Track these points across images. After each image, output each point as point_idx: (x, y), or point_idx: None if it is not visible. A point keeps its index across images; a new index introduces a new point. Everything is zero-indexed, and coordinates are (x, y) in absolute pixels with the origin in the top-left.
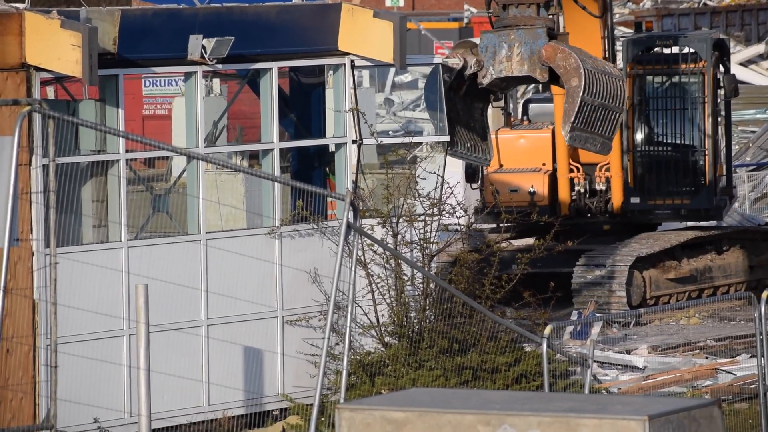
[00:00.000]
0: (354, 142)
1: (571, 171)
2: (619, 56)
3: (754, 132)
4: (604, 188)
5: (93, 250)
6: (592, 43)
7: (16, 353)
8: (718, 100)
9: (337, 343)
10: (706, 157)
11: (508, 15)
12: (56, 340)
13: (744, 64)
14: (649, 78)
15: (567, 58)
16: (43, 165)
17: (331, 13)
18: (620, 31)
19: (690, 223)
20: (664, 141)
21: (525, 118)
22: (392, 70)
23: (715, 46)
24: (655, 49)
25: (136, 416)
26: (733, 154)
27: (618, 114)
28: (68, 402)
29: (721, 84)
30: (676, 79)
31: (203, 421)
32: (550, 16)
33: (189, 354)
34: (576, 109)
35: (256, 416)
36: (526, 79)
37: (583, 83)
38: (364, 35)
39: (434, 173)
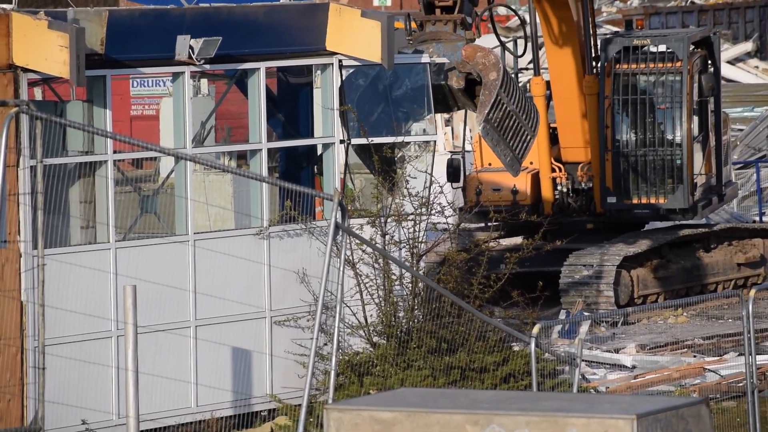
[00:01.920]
0: (342, 141)
1: (553, 171)
2: None
3: (741, 130)
4: (586, 188)
5: (81, 251)
6: (570, 47)
7: (4, 355)
8: (696, 99)
9: (326, 344)
10: (683, 155)
11: (425, 31)
12: (44, 341)
13: (731, 62)
14: (627, 77)
15: (487, 56)
16: (31, 166)
17: (318, 13)
18: (607, 29)
19: (678, 222)
20: (641, 140)
21: None
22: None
23: (702, 43)
24: (634, 48)
25: (125, 418)
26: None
27: (529, 136)
28: (56, 404)
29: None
30: (653, 78)
31: (192, 422)
32: (470, 39)
33: (177, 355)
34: (492, 101)
35: (244, 417)
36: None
37: (500, 77)
38: (351, 35)
39: (424, 172)
